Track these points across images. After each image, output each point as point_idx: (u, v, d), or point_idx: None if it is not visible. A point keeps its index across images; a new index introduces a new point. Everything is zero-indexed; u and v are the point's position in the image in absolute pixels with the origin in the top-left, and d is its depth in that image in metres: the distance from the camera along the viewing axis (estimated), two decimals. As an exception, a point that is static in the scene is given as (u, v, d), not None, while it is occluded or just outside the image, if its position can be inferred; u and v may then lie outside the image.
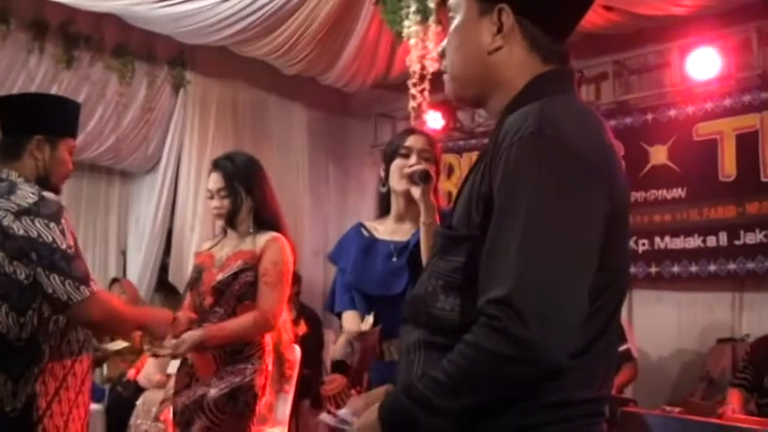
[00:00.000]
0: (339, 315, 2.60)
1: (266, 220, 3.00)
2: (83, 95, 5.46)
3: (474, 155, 6.24)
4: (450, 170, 6.42)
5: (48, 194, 2.25)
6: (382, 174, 2.60)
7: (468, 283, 1.23)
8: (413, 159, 2.46)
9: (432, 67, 4.01)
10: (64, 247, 2.16)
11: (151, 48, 5.87)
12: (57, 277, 2.14)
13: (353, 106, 7.09)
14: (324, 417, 1.53)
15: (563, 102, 1.25)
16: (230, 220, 2.99)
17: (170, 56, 6.01)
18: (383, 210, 2.64)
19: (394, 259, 2.50)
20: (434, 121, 5.94)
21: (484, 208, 1.21)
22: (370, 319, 2.36)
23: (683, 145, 5.05)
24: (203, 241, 6.14)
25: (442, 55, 1.42)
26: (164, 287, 6.19)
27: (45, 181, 2.33)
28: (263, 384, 2.91)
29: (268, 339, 3.00)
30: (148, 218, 6.13)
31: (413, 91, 4.17)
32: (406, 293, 2.40)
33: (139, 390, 4.61)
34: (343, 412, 1.45)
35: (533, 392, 1.16)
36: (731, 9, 4.75)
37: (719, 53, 4.73)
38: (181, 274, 6.05)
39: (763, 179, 4.72)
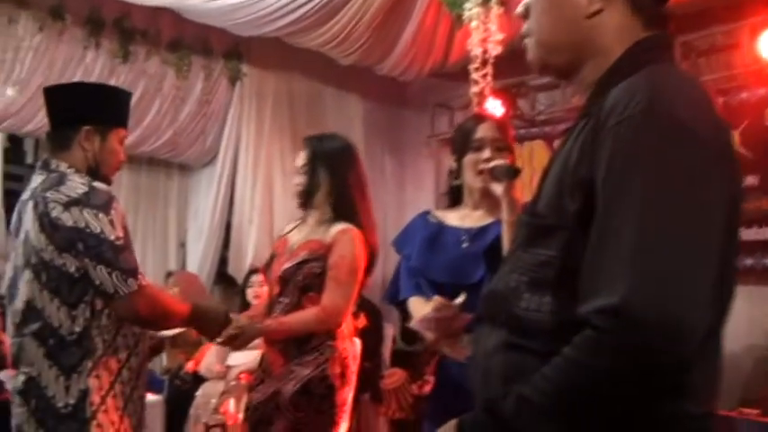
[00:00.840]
0: (403, 303, 2.45)
1: (344, 209, 2.79)
2: (140, 90, 5.50)
3: (535, 144, 6.08)
4: (510, 159, 6.26)
5: (98, 185, 2.20)
6: (453, 166, 2.47)
7: (560, 279, 1.09)
8: (487, 152, 2.32)
9: (494, 50, 3.87)
10: (112, 238, 2.11)
11: (206, 41, 5.86)
12: (104, 269, 2.09)
13: (410, 96, 6.98)
14: None
15: (671, 73, 1.11)
16: (304, 201, 2.84)
17: (226, 49, 6.00)
18: (454, 202, 2.51)
19: (465, 245, 2.37)
20: (494, 108, 5.78)
21: (582, 195, 1.06)
22: (461, 299, 2.13)
23: (756, 130, 4.80)
24: (262, 233, 6.24)
25: (525, 15, 1.28)
26: (223, 279, 6.20)
27: (95, 172, 2.29)
28: (341, 372, 2.73)
29: (343, 325, 2.83)
30: (207, 210, 6.14)
31: (474, 76, 4.04)
32: (482, 284, 2.26)
33: (198, 381, 4.60)
34: None
35: (641, 411, 1.01)
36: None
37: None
38: (240, 266, 6.06)
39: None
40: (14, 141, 5.52)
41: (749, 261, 4.82)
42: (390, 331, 6.01)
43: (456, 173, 2.45)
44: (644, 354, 0.94)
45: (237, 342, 2.64)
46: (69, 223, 2.09)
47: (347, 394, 2.80)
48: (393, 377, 5.09)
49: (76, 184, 2.16)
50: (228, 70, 6.05)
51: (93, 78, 5.20)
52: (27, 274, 2.15)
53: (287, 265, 2.77)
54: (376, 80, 6.49)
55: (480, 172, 2.31)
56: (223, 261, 6.21)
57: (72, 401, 2.10)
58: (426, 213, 2.55)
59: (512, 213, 2.19)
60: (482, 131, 2.36)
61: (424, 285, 2.39)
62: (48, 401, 2.10)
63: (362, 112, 6.99)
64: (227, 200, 6.17)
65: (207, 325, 2.49)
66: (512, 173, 2.21)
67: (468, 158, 2.37)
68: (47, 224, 2.10)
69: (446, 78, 6.45)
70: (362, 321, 5.27)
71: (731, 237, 1.09)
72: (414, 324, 2.18)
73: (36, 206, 2.14)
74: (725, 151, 1.07)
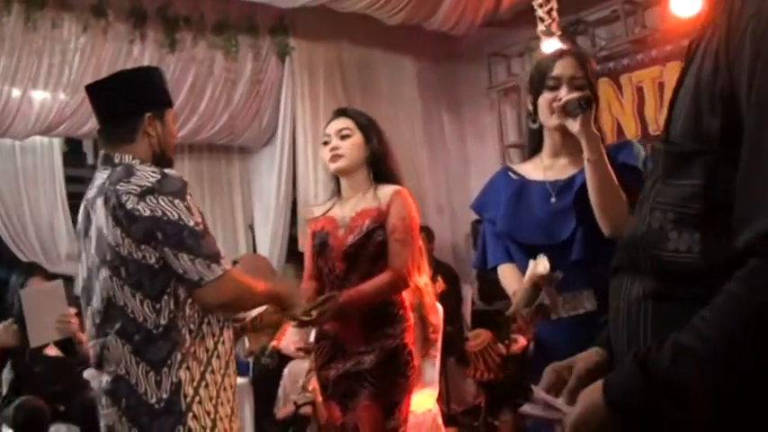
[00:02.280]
0: (493, 270, 2.34)
1: (386, 172, 2.80)
2: (191, 77, 5.48)
3: (600, 82, 5.78)
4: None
5: (170, 171, 2.15)
6: (530, 107, 2.31)
7: (710, 212, 0.96)
8: (563, 91, 2.15)
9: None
10: (192, 224, 2.04)
11: (251, 19, 5.78)
12: (185, 256, 2.03)
13: (463, 49, 6.76)
14: (527, 408, 1.22)
15: None
16: (345, 165, 2.77)
17: (271, 24, 5.91)
18: (534, 147, 2.35)
19: (553, 200, 2.21)
20: (552, 48, 5.53)
21: (723, 111, 0.93)
22: (545, 260, 2.03)
23: None
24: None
25: None
26: (294, 257, 6.18)
27: (161, 157, 2.24)
28: (413, 340, 2.80)
29: (405, 294, 2.83)
30: (272, 191, 6.11)
31: (539, 12, 3.81)
32: (574, 240, 2.14)
33: (284, 360, 4.59)
34: (550, 399, 1.16)
35: None
36: None
37: None
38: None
39: None
40: (73, 144, 5.55)
41: None
42: (469, 292, 5.91)
43: (533, 115, 2.29)
44: None
45: (323, 318, 2.60)
46: (146, 213, 2.03)
47: (419, 361, 2.88)
48: (478, 339, 5.02)
49: (147, 173, 2.10)
50: (276, 46, 5.96)
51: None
52: (104, 272, 2.10)
53: (352, 239, 2.70)
54: (426, 37, 6.32)
55: (553, 110, 2.16)
56: (293, 239, 6.17)
57: (165, 396, 2.05)
58: (507, 169, 2.40)
59: (593, 150, 2.05)
60: (559, 68, 2.20)
61: (514, 249, 2.27)
62: (139, 398, 2.05)
63: (416, 71, 6.82)
64: (290, 178, 6.12)
65: (287, 299, 2.44)
66: (584, 104, 2.05)
67: (544, 97, 2.21)
68: (122, 217, 2.05)
69: (499, 26, 6.25)
70: (441, 285, 5.19)
71: None
72: (514, 308, 2.08)
73: (107, 201, 2.08)
74: None
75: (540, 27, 4.09)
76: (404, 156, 6.56)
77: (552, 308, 2.05)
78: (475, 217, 6.42)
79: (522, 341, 4.90)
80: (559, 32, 4.34)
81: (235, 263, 5.38)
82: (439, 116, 6.98)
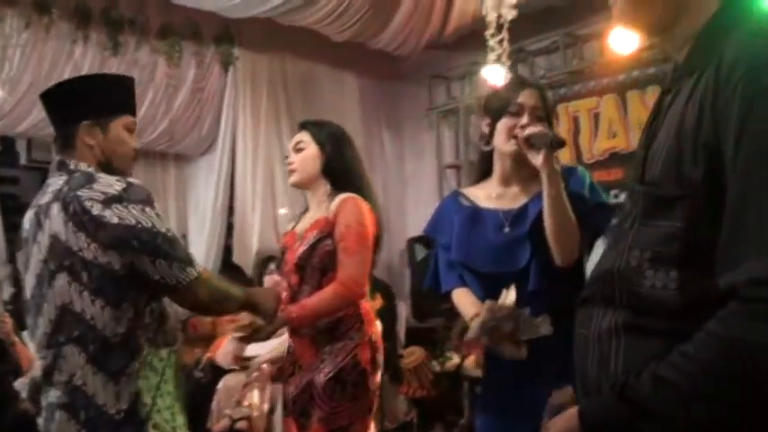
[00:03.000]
0: (447, 295, 2.36)
1: (344, 183, 2.73)
2: (132, 81, 5.36)
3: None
4: (513, 127, 6.18)
5: (133, 180, 2.11)
6: (486, 130, 2.32)
7: (687, 253, 1.01)
8: (525, 119, 2.19)
9: (509, 15, 3.74)
10: (164, 230, 2.04)
11: (196, 26, 5.72)
12: (163, 262, 2.02)
13: (405, 70, 6.85)
14: None
15: None
16: (302, 176, 2.76)
17: (216, 33, 5.87)
18: (484, 170, 2.38)
19: (506, 229, 2.24)
20: (494, 75, 5.64)
21: (706, 160, 0.98)
22: (512, 293, 2.05)
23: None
24: (266, 219, 6.15)
25: None
26: (229, 268, 6.11)
27: (108, 167, 2.15)
28: (370, 358, 2.66)
29: (368, 307, 2.75)
30: (208, 200, 6.04)
31: (491, 42, 3.91)
32: (528, 270, 2.19)
33: (217, 374, 4.52)
34: None
35: None
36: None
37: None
38: (245, 254, 5.98)
39: None
40: (6, 143, 5.37)
41: None
42: (404, 309, 5.96)
43: (488, 138, 2.31)
44: None
45: (261, 334, 2.59)
46: (114, 220, 1.99)
47: (379, 379, 2.74)
48: (412, 356, 5.09)
49: (111, 181, 2.06)
50: (220, 55, 5.92)
51: (83, 73, 5.04)
52: (61, 279, 2.04)
53: (301, 251, 2.68)
54: (370, 55, 6.37)
55: (514, 136, 2.19)
56: (228, 250, 6.11)
57: (125, 406, 2.01)
58: (457, 195, 2.41)
59: (553, 186, 2.08)
60: (523, 97, 2.23)
61: (468, 276, 2.29)
62: (99, 410, 2.00)
63: (358, 88, 6.87)
64: (227, 188, 6.07)
65: (263, 303, 2.40)
66: (555, 143, 2.09)
67: (503, 122, 2.23)
68: (87, 222, 2.00)
69: (442, 49, 6.35)
70: (378, 302, 5.22)
71: None
72: (468, 338, 2.10)
73: (66, 207, 2.03)
74: None
75: (491, 56, 4.20)
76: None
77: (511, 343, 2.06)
78: (410, 234, 6.53)
79: (456, 359, 4.99)
80: (509, 63, 4.47)
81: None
82: (379, 134, 7.05)
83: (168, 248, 2.04)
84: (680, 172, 1.02)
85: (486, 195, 2.32)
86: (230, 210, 6.12)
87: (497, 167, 2.32)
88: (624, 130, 5.52)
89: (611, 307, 1.11)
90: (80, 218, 2.01)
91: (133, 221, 2.00)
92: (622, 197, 5.53)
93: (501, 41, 3.87)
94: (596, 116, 5.70)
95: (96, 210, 2.00)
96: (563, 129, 5.86)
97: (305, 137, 2.79)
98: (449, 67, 6.59)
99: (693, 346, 0.95)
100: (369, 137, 6.91)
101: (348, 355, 2.62)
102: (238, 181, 6.06)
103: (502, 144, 2.25)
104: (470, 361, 4.79)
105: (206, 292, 2.13)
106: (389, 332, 5.49)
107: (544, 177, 2.09)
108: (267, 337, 2.65)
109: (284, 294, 2.71)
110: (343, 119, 6.64)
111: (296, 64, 6.43)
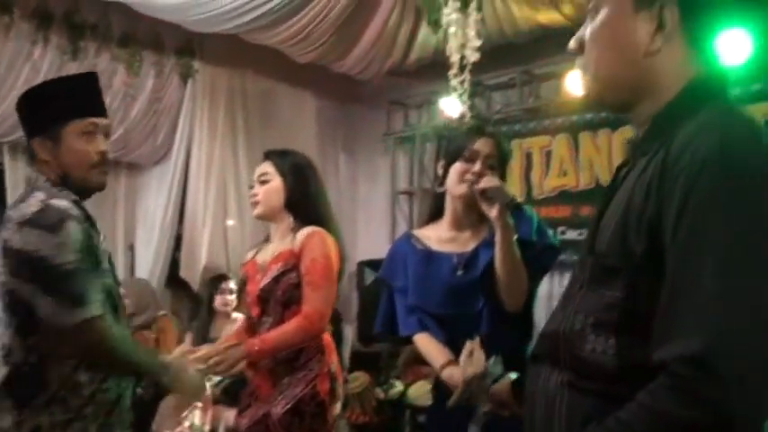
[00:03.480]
0: (406, 340, 2.40)
1: (309, 215, 2.73)
2: (89, 87, 5.29)
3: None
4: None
5: (54, 202, 1.96)
6: (440, 171, 2.38)
7: (625, 322, 1.08)
8: (477, 166, 2.25)
9: (472, 57, 3.83)
10: (59, 262, 1.88)
11: (158, 37, 5.69)
12: (48, 296, 1.87)
13: (364, 94, 6.90)
14: None
15: (734, 114, 1.11)
16: (265, 209, 2.75)
17: (178, 45, 5.83)
18: (435, 211, 2.44)
19: (459, 273, 2.29)
20: (449, 107, 5.72)
21: (648, 236, 1.05)
22: (479, 352, 2.05)
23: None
24: (215, 234, 6.09)
25: (578, 50, 1.25)
26: (174, 283, 6.04)
27: (67, 180, 2.06)
28: (329, 389, 2.67)
29: (328, 338, 2.77)
30: (158, 211, 5.97)
31: (453, 82, 4.01)
32: (482, 312, 2.25)
33: (160, 391, 4.45)
34: None
35: None
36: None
37: (749, 37, 4.58)
38: (192, 269, 5.92)
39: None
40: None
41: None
42: (350, 333, 5.98)
43: (441, 180, 2.38)
44: (725, 405, 0.94)
45: (222, 367, 2.52)
46: (18, 245, 1.90)
47: (337, 410, 2.74)
48: (357, 381, 5.09)
49: (35, 201, 1.95)
50: (180, 67, 5.88)
51: (40, 75, 4.98)
52: None
53: (264, 283, 2.68)
54: (330, 77, 6.41)
55: (465, 180, 2.26)
56: (174, 264, 6.04)
57: None
58: (409, 237, 2.45)
59: (505, 238, 2.16)
60: (479, 144, 2.29)
61: (427, 319, 2.31)
62: None
63: (316, 109, 6.90)
64: (178, 200, 6.00)
65: (183, 386, 2.24)
66: (511, 203, 2.16)
67: (456, 167, 2.30)
68: (3, 244, 1.94)
69: (402, 76, 6.42)
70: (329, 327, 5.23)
71: None
72: (451, 403, 2.08)
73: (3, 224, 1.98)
74: None
75: (453, 96, 4.30)
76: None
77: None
78: (360, 258, 6.55)
79: (399, 387, 5.02)
80: (469, 102, 4.59)
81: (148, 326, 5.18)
82: (335, 155, 7.09)
83: (57, 282, 1.89)
84: (624, 246, 1.09)
85: (438, 238, 2.37)
86: (180, 223, 6.05)
87: (449, 210, 2.37)
88: (574, 170, 5.67)
89: (557, 367, 1.18)
90: (1, 238, 1.95)
91: (31, 248, 1.89)
92: (569, 234, 5.71)
93: (462, 82, 3.96)
94: (548, 154, 5.84)
95: (8, 233, 1.93)
96: (515, 164, 5.98)
97: (269, 168, 2.77)
98: (408, 94, 6.68)
99: (626, 413, 1.02)
100: (324, 158, 6.92)
101: (307, 386, 2.62)
102: (190, 194, 6.01)
103: (453, 187, 2.31)
104: (414, 389, 4.83)
105: (91, 342, 1.93)
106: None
107: (497, 231, 2.16)
108: (226, 371, 2.59)
109: (241, 325, 2.72)
110: (299, 138, 6.68)
111: (256, 81, 6.43)
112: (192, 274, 5.91)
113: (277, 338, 2.59)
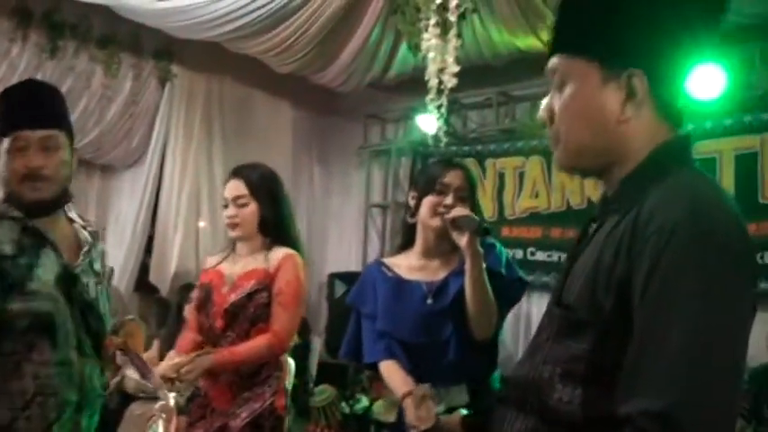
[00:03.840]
0: (370, 366, 2.42)
1: (281, 235, 2.79)
2: (66, 86, 5.27)
3: (466, 162, 6.14)
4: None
5: None
6: (411, 203, 2.43)
7: (592, 373, 1.12)
8: (449, 199, 2.31)
9: (450, 82, 3.89)
10: None
11: (138, 39, 5.69)
12: None
13: (342, 106, 6.93)
14: None
15: (701, 181, 1.16)
16: (244, 232, 2.78)
17: (156, 48, 5.83)
18: (406, 241, 2.48)
19: (429, 301, 2.33)
20: (426, 124, 5.76)
21: (617, 295, 1.09)
22: (463, 394, 2.13)
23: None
24: (187, 240, 6.07)
25: (549, 119, 1.27)
26: (143, 287, 6.01)
27: (8, 194, 2.00)
28: (284, 404, 2.74)
29: (285, 357, 2.84)
30: (130, 214, 5.95)
31: (430, 108, 4.06)
32: (450, 340, 2.29)
33: (125, 400, 4.43)
34: None
35: None
36: (736, 28, 4.72)
37: (722, 72, 4.70)
38: (162, 274, 5.89)
39: (760, 200, 4.71)
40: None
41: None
42: (318, 344, 5.98)
43: (413, 211, 2.42)
44: None
45: (191, 375, 2.56)
46: None
47: (290, 423, 2.83)
48: (323, 395, 5.11)
49: None
50: (158, 70, 5.89)
51: (17, 73, 4.96)
52: None
53: (235, 298, 2.70)
54: (308, 88, 6.43)
55: (438, 213, 2.31)
56: (144, 268, 6.00)
57: None
58: (379, 264, 2.48)
59: (476, 267, 2.21)
60: (450, 177, 2.35)
61: (395, 346, 2.32)
62: None
63: (292, 119, 6.93)
64: (151, 204, 5.98)
65: None
66: (481, 230, 2.20)
67: (429, 200, 2.34)
68: None
69: (380, 90, 6.46)
70: (295, 339, 5.22)
71: None
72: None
73: None
74: (752, 261, 1.14)
75: (435, 120, 4.36)
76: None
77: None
78: (331, 270, 6.57)
79: (365, 402, 5.05)
80: (444, 128, 4.66)
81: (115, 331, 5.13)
82: (309, 166, 7.11)
83: None
84: (593, 301, 1.12)
85: (408, 266, 2.41)
86: (152, 227, 6.03)
87: (420, 240, 2.41)
88: (546, 192, 5.75)
89: (523, 412, 1.22)
90: None
91: None
92: (539, 255, 5.79)
93: (439, 106, 4.02)
94: (521, 175, 5.91)
95: None
96: (488, 183, 6.05)
97: (243, 190, 2.78)
98: (386, 108, 6.72)
99: None
100: (298, 168, 6.95)
101: (266, 402, 2.67)
102: (163, 199, 5.99)
103: (427, 219, 2.35)
104: (379, 405, 4.85)
105: None
106: (301, 367, 5.51)
107: (467, 258, 2.21)
108: (194, 379, 2.63)
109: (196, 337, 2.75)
110: (274, 147, 6.70)
111: (233, 87, 6.44)
112: (162, 279, 5.88)
113: (247, 352, 2.63)
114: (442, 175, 2.36)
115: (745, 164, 4.78)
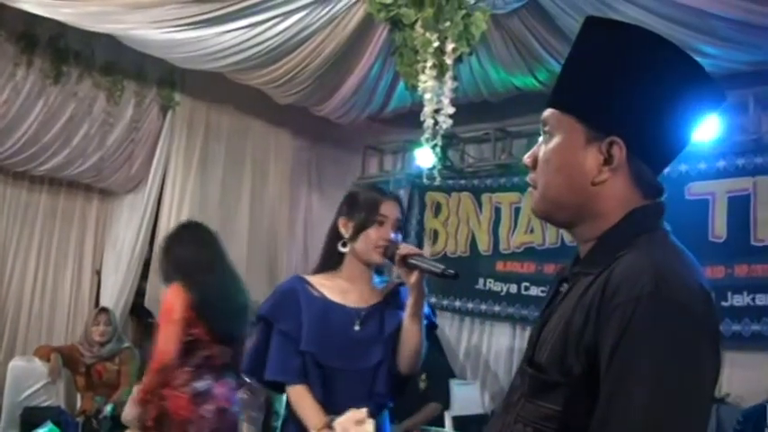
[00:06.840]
0: (270, 384, 2.36)
1: None
2: (69, 112, 5.37)
3: (463, 195, 6.21)
4: (438, 209, 6.38)
5: None
6: (343, 230, 2.37)
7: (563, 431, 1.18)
8: (390, 233, 2.32)
9: (445, 123, 3.95)
10: None
11: (141, 67, 5.74)
12: None
13: (341, 137, 6.96)
14: None
15: (668, 249, 1.21)
16: None
17: (159, 76, 5.89)
18: (333, 264, 2.40)
19: (356, 328, 2.31)
20: (423, 158, 5.80)
21: (586, 358, 1.15)
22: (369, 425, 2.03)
23: (675, 202, 5.05)
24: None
25: (532, 165, 1.33)
26: (138, 311, 6.02)
27: None
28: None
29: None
30: (128, 239, 5.97)
31: (425, 146, 4.12)
32: (378, 370, 2.31)
33: (117, 426, 4.43)
34: None
35: None
36: (731, 74, 4.80)
37: (716, 115, 4.76)
38: (158, 299, 5.90)
39: (752, 242, 4.76)
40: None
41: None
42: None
43: (345, 239, 2.37)
44: None
45: None
46: None
47: None
48: None
49: None
50: (161, 98, 5.94)
51: (21, 97, 5.04)
52: None
53: None
54: (308, 118, 6.47)
55: (379, 246, 2.30)
56: (140, 293, 6.03)
57: None
58: (302, 281, 2.38)
59: (418, 305, 2.26)
60: (387, 209, 2.34)
61: (312, 368, 2.27)
62: None
63: (292, 148, 7.00)
64: (149, 230, 6.02)
65: None
66: (449, 275, 2.14)
67: (369, 233, 2.31)
68: None
69: (379, 122, 6.52)
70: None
71: None
72: None
73: None
74: (715, 326, 1.18)
75: (425, 156, 4.43)
76: (266, 225, 6.66)
77: None
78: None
79: None
80: (440, 166, 4.74)
81: (103, 310, 5.14)
82: (308, 195, 7.14)
83: None
84: (563, 363, 1.18)
85: (334, 288, 2.36)
86: (149, 252, 6.05)
87: (348, 266, 2.37)
88: (541, 228, 5.79)
89: None
90: None
91: None
92: (533, 290, 5.82)
93: (435, 147, 4.09)
94: (517, 210, 5.96)
95: None
96: (484, 217, 6.10)
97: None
98: (384, 140, 6.77)
99: None
100: (296, 197, 7.00)
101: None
102: (161, 225, 6.02)
103: (368, 252, 2.32)
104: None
105: None
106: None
107: (412, 295, 2.26)
108: None
109: None
110: (273, 176, 6.77)
111: (235, 116, 6.50)
112: (158, 304, 5.89)
113: None
114: (378, 206, 2.34)
115: (738, 206, 4.83)
